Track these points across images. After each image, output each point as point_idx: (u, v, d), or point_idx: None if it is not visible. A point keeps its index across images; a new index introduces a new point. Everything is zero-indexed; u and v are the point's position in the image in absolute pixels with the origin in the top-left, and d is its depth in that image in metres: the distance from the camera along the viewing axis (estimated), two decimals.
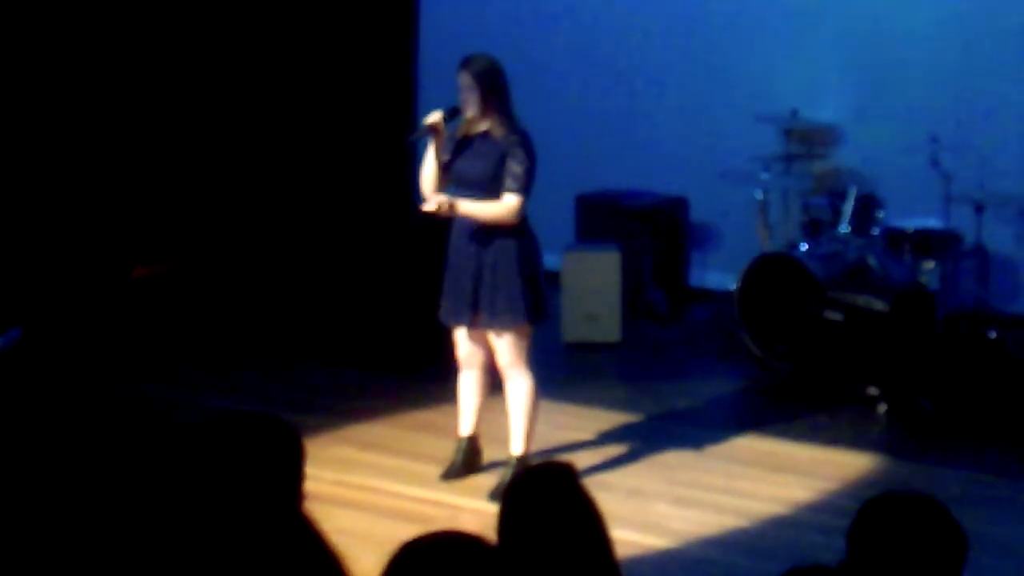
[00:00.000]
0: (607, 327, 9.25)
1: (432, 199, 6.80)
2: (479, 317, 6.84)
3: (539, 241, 6.94)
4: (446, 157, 6.85)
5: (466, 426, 7.18)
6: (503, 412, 7.02)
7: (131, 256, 9.90)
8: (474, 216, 6.77)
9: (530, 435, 7.01)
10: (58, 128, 9.53)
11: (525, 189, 6.73)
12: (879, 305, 8.40)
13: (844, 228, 8.98)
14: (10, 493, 3.51)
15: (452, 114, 6.82)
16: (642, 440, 7.66)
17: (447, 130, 6.86)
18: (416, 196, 7.27)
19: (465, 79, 6.72)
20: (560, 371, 8.71)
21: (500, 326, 6.82)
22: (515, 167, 6.71)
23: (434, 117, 6.81)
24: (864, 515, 3.38)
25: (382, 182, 9.52)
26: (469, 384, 7.10)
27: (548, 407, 7.36)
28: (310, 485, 3.51)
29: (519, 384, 6.94)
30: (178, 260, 9.96)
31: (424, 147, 6.98)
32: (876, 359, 8.27)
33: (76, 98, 9.58)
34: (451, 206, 6.74)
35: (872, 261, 8.86)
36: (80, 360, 8.68)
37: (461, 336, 6.99)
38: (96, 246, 9.70)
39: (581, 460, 7.14)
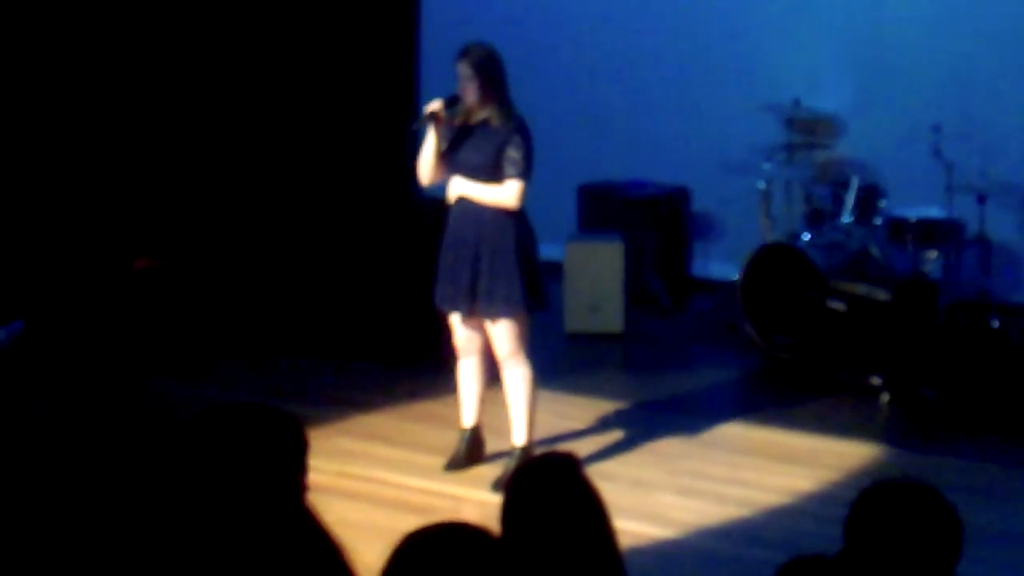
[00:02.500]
0: (609, 317, 9.25)
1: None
2: (477, 306, 6.84)
3: (535, 232, 6.94)
4: (445, 145, 6.86)
5: (468, 417, 7.18)
6: (504, 403, 7.02)
7: (132, 249, 9.89)
8: (474, 198, 6.78)
9: (531, 425, 7.00)
10: (59, 123, 9.52)
11: (525, 174, 6.75)
12: (881, 295, 8.39)
13: (846, 218, 8.97)
14: (9, 487, 3.51)
15: (452, 102, 6.84)
16: (645, 430, 7.66)
17: (446, 117, 6.86)
18: (414, 186, 7.27)
19: (464, 68, 6.74)
20: (562, 361, 8.71)
21: (498, 315, 6.82)
22: (513, 153, 6.73)
23: (435, 105, 6.83)
24: (861, 503, 3.38)
25: (380, 173, 9.50)
26: (469, 372, 7.09)
27: (551, 397, 7.36)
28: (312, 477, 3.51)
29: (517, 374, 6.93)
30: (179, 253, 9.95)
31: (423, 136, 6.98)
32: (878, 349, 8.26)
33: (77, 93, 9.57)
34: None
35: (874, 251, 8.85)
36: (81, 353, 8.67)
37: (458, 322, 6.99)
38: (97, 239, 9.69)
39: (583, 450, 7.14)
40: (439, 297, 6.97)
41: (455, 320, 6.99)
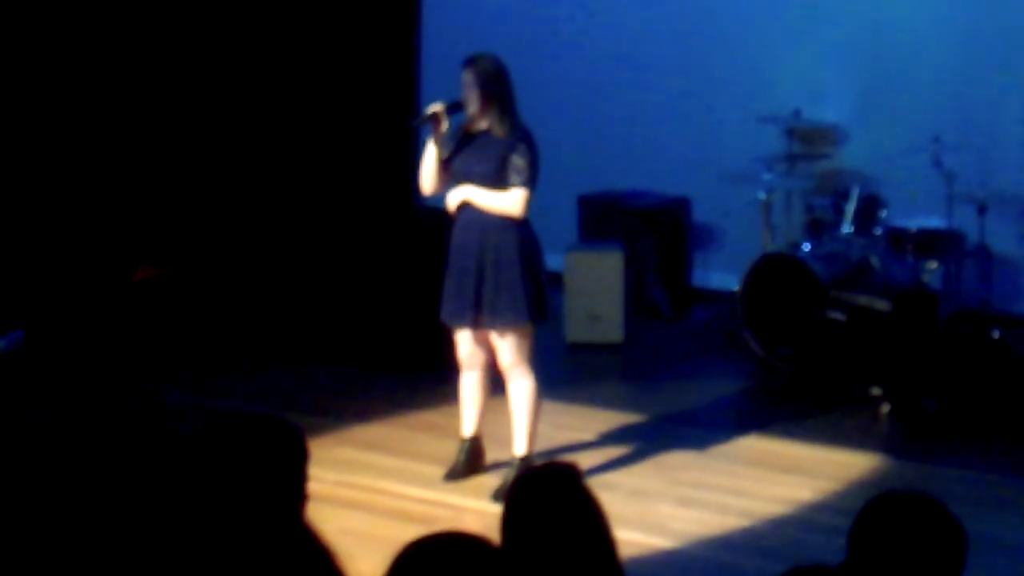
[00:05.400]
0: (610, 327, 9.25)
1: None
2: (481, 317, 6.84)
3: (540, 243, 6.94)
4: (446, 153, 6.86)
5: (468, 427, 7.18)
6: (505, 413, 7.02)
7: (133, 259, 9.90)
8: (477, 204, 6.78)
9: (533, 435, 7.01)
10: (60, 131, 9.53)
11: (530, 182, 6.75)
12: (882, 305, 8.39)
13: (847, 228, 8.98)
14: (9, 496, 3.51)
15: (454, 107, 6.84)
16: (645, 440, 7.65)
17: (450, 122, 6.86)
18: (416, 195, 7.27)
19: (467, 77, 6.76)
20: (563, 371, 8.70)
21: (502, 326, 6.82)
22: (518, 161, 6.74)
23: (436, 106, 6.83)
24: (865, 515, 3.38)
25: (383, 182, 9.51)
26: (471, 385, 7.09)
27: (551, 408, 7.35)
28: (313, 486, 3.50)
29: (521, 385, 6.93)
30: (179, 262, 9.96)
31: (424, 136, 6.98)
32: (879, 359, 8.26)
33: (78, 101, 9.58)
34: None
35: (875, 261, 8.86)
36: (82, 363, 8.67)
37: (463, 337, 6.99)
38: (98, 249, 9.70)
39: (584, 460, 7.13)
40: (446, 311, 6.96)
41: (461, 335, 6.99)
